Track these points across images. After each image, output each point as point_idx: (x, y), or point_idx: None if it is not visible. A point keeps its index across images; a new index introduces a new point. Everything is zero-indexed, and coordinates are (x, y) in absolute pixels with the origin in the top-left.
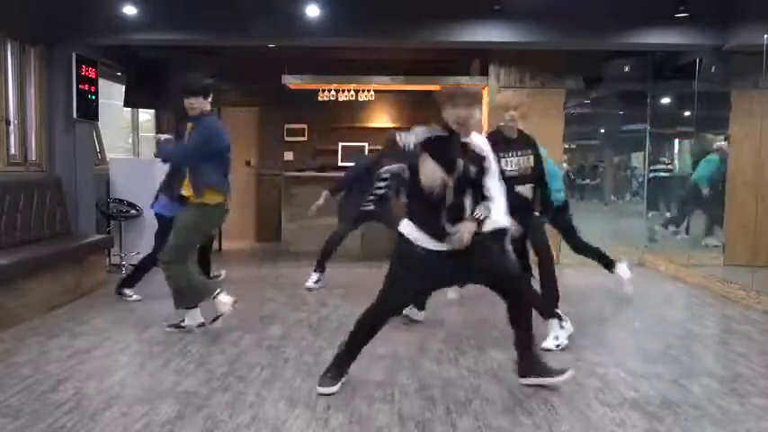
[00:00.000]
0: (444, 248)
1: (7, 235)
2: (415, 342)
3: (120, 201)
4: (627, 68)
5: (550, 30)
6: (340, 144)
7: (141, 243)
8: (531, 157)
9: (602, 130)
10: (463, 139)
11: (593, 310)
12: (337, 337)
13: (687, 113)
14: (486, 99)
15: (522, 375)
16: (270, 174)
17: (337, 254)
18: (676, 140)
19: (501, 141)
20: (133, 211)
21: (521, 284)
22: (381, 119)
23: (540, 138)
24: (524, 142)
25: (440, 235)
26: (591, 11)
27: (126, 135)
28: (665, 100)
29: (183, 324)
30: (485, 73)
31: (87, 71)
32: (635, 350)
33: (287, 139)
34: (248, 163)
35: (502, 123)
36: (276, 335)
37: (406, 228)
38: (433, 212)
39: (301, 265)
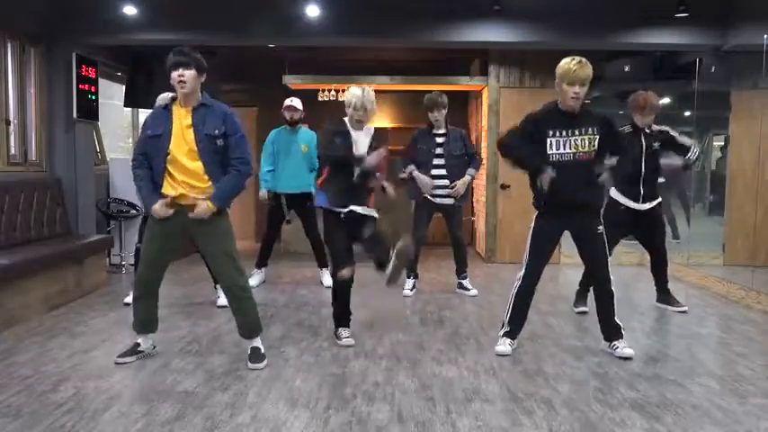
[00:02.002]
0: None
1: (7, 235)
2: (415, 342)
3: (120, 201)
4: (627, 68)
5: (550, 30)
6: None
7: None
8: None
9: None
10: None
11: (594, 310)
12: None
13: (687, 113)
14: (485, 100)
15: None
16: None
17: None
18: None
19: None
20: (133, 211)
21: None
22: (381, 119)
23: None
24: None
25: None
26: (591, 11)
27: (126, 135)
28: (665, 100)
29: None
30: (485, 73)
31: (87, 71)
32: (635, 350)
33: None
34: None
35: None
36: (276, 335)
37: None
38: None
39: (301, 265)
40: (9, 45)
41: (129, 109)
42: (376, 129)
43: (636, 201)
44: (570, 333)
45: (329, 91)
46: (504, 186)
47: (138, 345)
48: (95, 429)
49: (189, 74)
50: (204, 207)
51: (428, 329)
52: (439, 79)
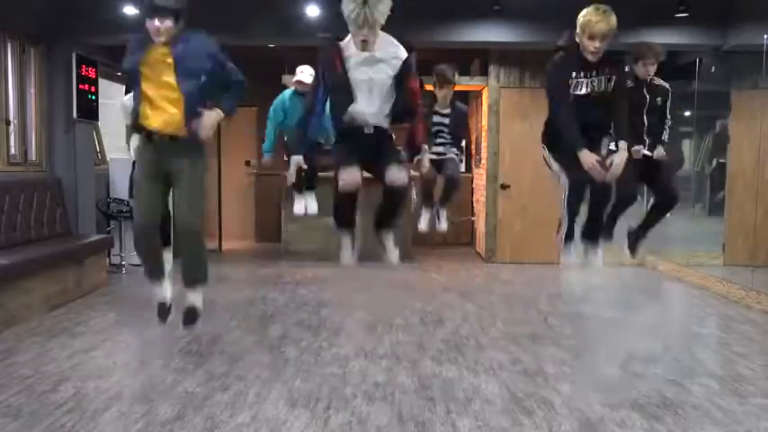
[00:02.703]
0: None
1: (7, 235)
2: (415, 342)
3: (120, 201)
4: (627, 68)
5: (550, 30)
6: None
7: None
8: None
9: None
10: None
11: (594, 310)
12: (337, 337)
13: (687, 113)
14: (485, 100)
15: None
16: (270, 174)
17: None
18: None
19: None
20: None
21: None
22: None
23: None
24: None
25: None
26: None
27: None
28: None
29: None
30: (485, 73)
31: (87, 71)
32: (635, 350)
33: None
34: (248, 163)
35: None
36: (276, 335)
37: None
38: None
39: (301, 264)
40: (9, 45)
41: None
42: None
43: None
44: (570, 333)
45: None
46: (504, 186)
47: (164, 302)
48: (95, 429)
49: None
50: (214, 116)
51: (428, 329)
52: None
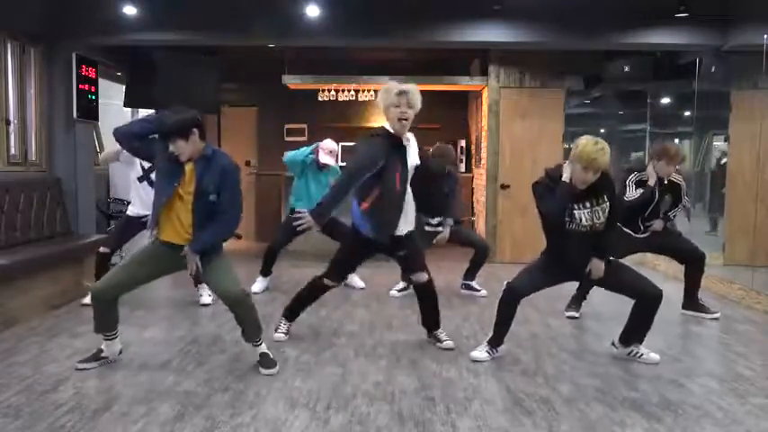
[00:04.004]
0: None
1: (7, 235)
2: (415, 342)
3: (120, 201)
4: (627, 68)
5: (550, 30)
6: (340, 144)
7: (142, 243)
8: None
9: (603, 130)
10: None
11: (594, 309)
12: (337, 337)
13: (687, 113)
14: (485, 100)
15: None
16: (270, 174)
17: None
18: (676, 140)
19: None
20: None
21: None
22: (381, 119)
23: (541, 137)
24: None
25: None
26: (591, 11)
27: None
28: (665, 100)
29: None
30: (485, 73)
31: (87, 71)
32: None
33: (287, 138)
34: (248, 163)
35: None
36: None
37: None
38: None
39: (301, 264)
40: (9, 45)
41: (129, 109)
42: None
43: (635, 233)
44: (570, 333)
45: (329, 91)
46: (503, 186)
47: (101, 351)
48: (95, 429)
49: (182, 144)
50: (189, 256)
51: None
52: (439, 79)
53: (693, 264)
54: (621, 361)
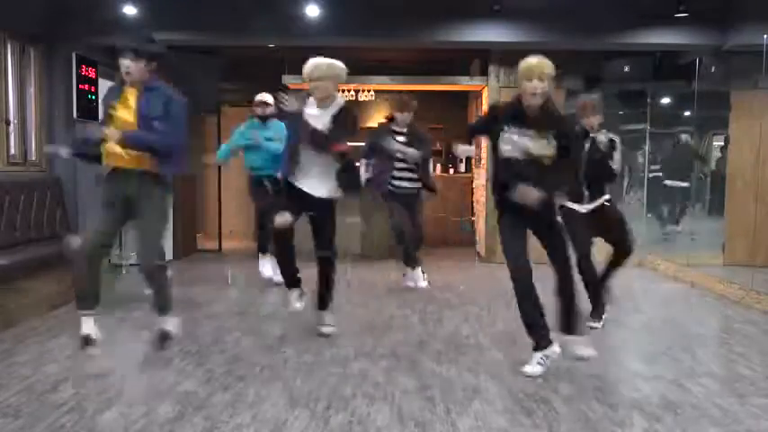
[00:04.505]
0: None
1: (7, 235)
2: (415, 342)
3: None
4: (627, 68)
5: (550, 30)
6: None
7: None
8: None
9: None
10: None
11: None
12: (337, 337)
13: (687, 113)
14: (485, 100)
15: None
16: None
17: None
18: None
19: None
20: None
21: None
22: (381, 119)
23: None
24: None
25: None
26: (591, 11)
27: None
28: (665, 100)
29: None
30: (485, 73)
31: (87, 71)
32: (635, 350)
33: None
34: None
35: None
36: (276, 335)
37: None
38: None
39: (301, 265)
40: (9, 45)
41: None
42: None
43: (578, 202)
44: None
45: None
46: None
47: (89, 335)
48: (95, 429)
49: (135, 65)
50: (116, 133)
51: (428, 329)
52: (439, 79)
53: (619, 254)
54: (621, 361)
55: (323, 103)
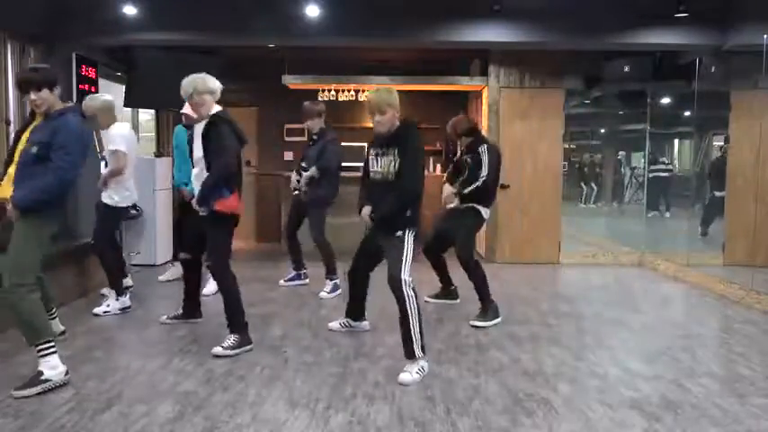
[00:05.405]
0: None
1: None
2: None
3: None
4: (627, 68)
5: (550, 30)
6: (341, 144)
7: (141, 243)
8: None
9: (603, 130)
10: None
11: (594, 310)
12: (337, 337)
13: (687, 113)
14: (485, 100)
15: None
16: (270, 174)
17: (341, 251)
18: (676, 140)
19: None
20: (133, 211)
21: None
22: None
23: (541, 137)
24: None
25: None
26: (591, 11)
27: None
28: (665, 100)
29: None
30: (485, 73)
31: (87, 71)
32: (635, 350)
33: (287, 139)
34: (248, 163)
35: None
36: (276, 335)
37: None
38: None
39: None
40: (9, 45)
41: (129, 109)
42: (211, 120)
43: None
44: (570, 333)
45: (329, 91)
46: (503, 186)
47: (41, 373)
48: (95, 429)
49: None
50: (10, 208)
51: (428, 329)
52: (439, 79)
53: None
54: (621, 361)
55: (199, 121)
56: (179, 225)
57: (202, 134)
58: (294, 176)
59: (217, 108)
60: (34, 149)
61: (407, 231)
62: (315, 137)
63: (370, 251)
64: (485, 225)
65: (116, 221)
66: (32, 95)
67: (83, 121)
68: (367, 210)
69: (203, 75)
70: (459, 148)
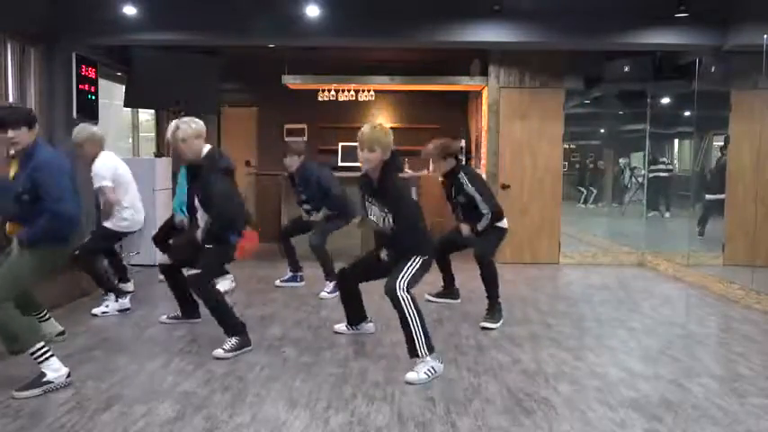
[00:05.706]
0: None
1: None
2: None
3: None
4: (627, 68)
5: (550, 30)
6: (340, 144)
7: (141, 243)
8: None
9: (603, 130)
10: None
11: (594, 310)
12: (336, 337)
13: (687, 113)
14: (485, 100)
15: None
16: (270, 174)
17: (336, 253)
18: (676, 140)
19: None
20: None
21: None
22: (381, 119)
23: (541, 137)
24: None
25: None
26: (591, 11)
27: (126, 135)
28: (665, 100)
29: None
30: (485, 73)
31: (87, 71)
32: (635, 350)
33: (287, 139)
34: (248, 163)
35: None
36: (276, 335)
37: None
38: None
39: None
40: (9, 45)
41: (129, 109)
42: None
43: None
44: (570, 333)
45: (329, 91)
46: (504, 186)
47: (44, 375)
48: (95, 429)
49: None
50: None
51: (429, 329)
52: (439, 79)
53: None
54: (621, 361)
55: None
56: (168, 231)
57: (192, 177)
58: (304, 216)
59: (206, 149)
60: (26, 197)
61: (417, 257)
62: (293, 175)
63: (371, 266)
64: (507, 234)
65: (110, 244)
66: (10, 133)
67: (52, 148)
68: (383, 254)
69: (187, 120)
70: (438, 170)
